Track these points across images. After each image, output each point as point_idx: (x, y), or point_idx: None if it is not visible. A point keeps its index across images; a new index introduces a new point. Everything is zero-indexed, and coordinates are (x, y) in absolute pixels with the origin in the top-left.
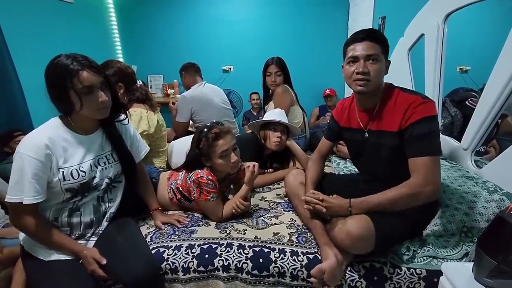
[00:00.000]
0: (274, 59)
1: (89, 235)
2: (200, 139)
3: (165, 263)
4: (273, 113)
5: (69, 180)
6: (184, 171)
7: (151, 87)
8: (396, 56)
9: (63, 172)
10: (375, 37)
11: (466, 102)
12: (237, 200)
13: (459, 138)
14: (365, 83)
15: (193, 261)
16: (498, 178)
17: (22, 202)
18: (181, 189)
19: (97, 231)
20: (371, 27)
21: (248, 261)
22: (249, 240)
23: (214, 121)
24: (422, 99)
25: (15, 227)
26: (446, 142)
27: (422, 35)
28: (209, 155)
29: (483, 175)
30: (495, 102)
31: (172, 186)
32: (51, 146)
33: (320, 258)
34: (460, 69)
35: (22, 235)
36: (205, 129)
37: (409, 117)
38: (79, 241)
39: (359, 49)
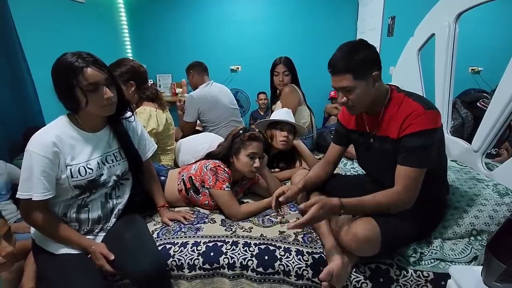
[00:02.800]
0: (281, 58)
1: (97, 230)
2: (238, 135)
3: (171, 259)
4: (280, 113)
5: (77, 177)
6: (200, 162)
7: (159, 86)
8: (406, 56)
9: (70, 169)
10: (343, 68)
11: (478, 104)
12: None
13: (469, 140)
14: (351, 110)
15: (198, 259)
16: (510, 181)
17: (31, 198)
18: (193, 178)
19: (105, 227)
20: (346, 43)
21: (254, 258)
22: (255, 238)
23: (246, 126)
24: (424, 109)
25: (25, 222)
26: (456, 143)
27: (433, 35)
28: (239, 150)
29: (494, 177)
30: (508, 104)
31: (184, 177)
32: (59, 144)
33: (325, 258)
34: (472, 69)
35: (33, 229)
36: (244, 130)
37: (406, 128)
38: (88, 236)
39: (333, 80)
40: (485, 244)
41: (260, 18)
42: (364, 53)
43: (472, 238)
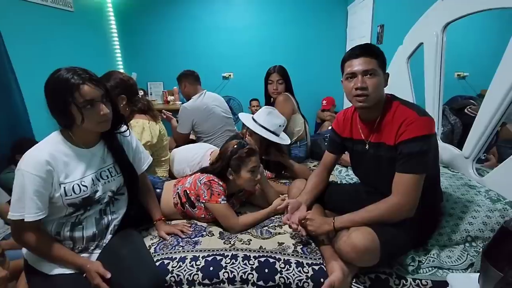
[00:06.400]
0: (276, 67)
1: (92, 248)
2: (235, 153)
3: (169, 275)
4: (261, 114)
5: (71, 195)
6: (194, 175)
7: (151, 94)
8: (395, 64)
9: (64, 187)
10: (371, 52)
11: (465, 110)
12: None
13: (459, 146)
14: (364, 99)
15: (198, 274)
16: (500, 187)
17: (23, 219)
18: (188, 192)
19: (100, 244)
20: (367, 42)
21: (254, 272)
22: (254, 251)
23: (239, 141)
24: (418, 115)
25: (16, 242)
26: (447, 150)
27: (421, 44)
28: (239, 168)
29: (485, 183)
30: (496, 111)
31: (179, 190)
32: (52, 162)
33: (325, 269)
34: (458, 75)
35: (25, 249)
36: (239, 146)
37: (401, 134)
38: (82, 255)
39: (356, 64)
40: (480, 250)
41: (252, 26)
42: (382, 52)
43: (467, 244)
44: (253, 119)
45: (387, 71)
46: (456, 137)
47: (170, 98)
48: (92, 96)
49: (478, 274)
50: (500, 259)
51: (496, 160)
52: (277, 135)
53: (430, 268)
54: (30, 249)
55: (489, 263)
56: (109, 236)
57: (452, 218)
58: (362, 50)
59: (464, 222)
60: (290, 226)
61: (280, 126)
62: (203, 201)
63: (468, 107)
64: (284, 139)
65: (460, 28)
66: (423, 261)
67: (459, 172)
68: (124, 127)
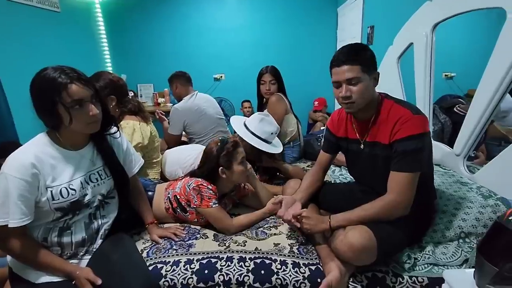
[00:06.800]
0: (268, 68)
1: (81, 254)
2: (221, 150)
3: (163, 279)
4: (253, 121)
5: (58, 199)
6: (183, 180)
7: (141, 96)
8: (386, 64)
9: (51, 191)
10: (353, 59)
11: (454, 109)
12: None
13: (449, 144)
14: (351, 105)
15: (192, 277)
16: (491, 183)
17: (7, 225)
18: (178, 197)
19: (90, 249)
20: (352, 43)
21: (250, 274)
22: (250, 252)
23: (220, 137)
24: (412, 114)
25: (0, 249)
26: (439, 148)
27: (411, 44)
28: (230, 163)
29: (476, 180)
30: (485, 109)
31: (169, 195)
32: (38, 165)
33: (322, 269)
34: (445, 75)
35: (9, 256)
36: (223, 143)
37: (396, 133)
38: (71, 261)
39: (339, 73)
40: (473, 246)
41: (243, 27)
42: (369, 52)
43: (461, 240)
44: (245, 125)
45: (379, 71)
46: (446, 135)
47: (160, 100)
48: (81, 96)
49: (473, 269)
50: (495, 254)
51: (485, 157)
52: (269, 142)
53: (426, 265)
54: (15, 256)
55: (484, 258)
56: (99, 241)
57: (446, 215)
58: (344, 58)
59: (457, 219)
60: (284, 220)
61: (272, 133)
62: (194, 206)
63: (457, 106)
64: (276, 147)
65: (446, 29)
66: (419, 258)
67: (450, 170)
68: (114, 129)
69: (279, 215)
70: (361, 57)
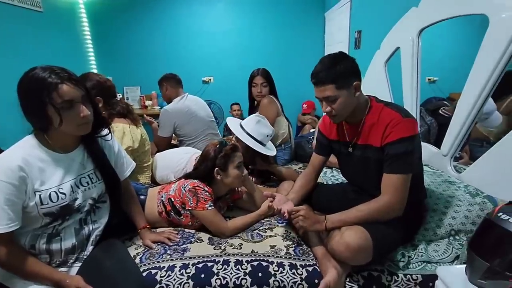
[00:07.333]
0: (259, 70)
1: (71, 261)
2: (220, 151)
3: (158, 285)
4: (250, 122)
5: (47, 203)
6: (178, 182)
7: (127, 99)
8: (373, 68)
9: (40, 195)
10: (324, 80)
11: (440, 111)
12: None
13: (435, 145)
14: (334, 118)
15: (188, 282)
16: (477, 182)
17: None
18: (173, 200)
19: (81, 256)
20: (326, 57)
21: (247, 277)
22: (246, 255)
23: (219, 139)
24: (402, 117)
25: None
26: (426, 148)
27: (398, 48)
28: (226, 165)
29: (463, 179)
30: (471, 111)
31: (163, 198)
32: (26, 168)
33: (319, 270)
34: (428, 79)
35: None
36: (222, 145)
37: (387, 136)
38: (61, 269)
39: (316, 92)
40: (463, 243)
41: (231, 30)
42: (344, 64)
43: (451, 238)
44: (241, 126)
45: (366, 75)
46: (432, 136)
47: (148, 103)
48: (72, 97)
49: (465, 265)
50: (486, 250)
51: (468, 158)
52: (264, 144)
53: (419, 263)
54: (0, 265)
55: (475, 254)
56: (90, 248)
57: (436, 213)
58: (316, 80)
59: (447, 217)
60: (276, 211)
61: (267, 136)
62: (189, 208)
63: (442, 108)
64: (270, 149)
65: (428, 35)
66: (412, 257)
67: (438, 170)
68: (105, 131)
69: (274, 205)
70: (334, 74)
